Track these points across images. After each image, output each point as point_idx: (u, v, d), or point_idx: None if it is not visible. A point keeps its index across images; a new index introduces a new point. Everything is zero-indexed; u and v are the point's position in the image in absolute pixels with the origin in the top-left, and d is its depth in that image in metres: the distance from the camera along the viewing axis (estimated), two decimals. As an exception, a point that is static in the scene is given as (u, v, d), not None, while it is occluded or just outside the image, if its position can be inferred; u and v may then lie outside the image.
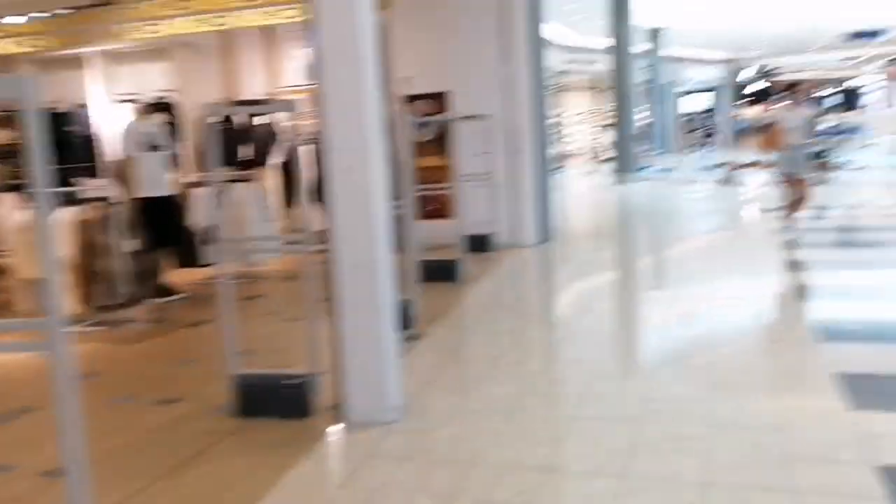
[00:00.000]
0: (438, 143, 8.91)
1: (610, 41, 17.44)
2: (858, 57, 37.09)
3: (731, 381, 3.98)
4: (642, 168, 19.51)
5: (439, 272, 7.01)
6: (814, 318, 5.15)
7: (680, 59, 30.42)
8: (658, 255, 8.97)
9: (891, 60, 38.45)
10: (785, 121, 7.98)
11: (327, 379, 3.77)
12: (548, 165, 9.24)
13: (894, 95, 40.45)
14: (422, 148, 9.15)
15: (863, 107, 34.55)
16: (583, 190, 17.60)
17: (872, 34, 26.47)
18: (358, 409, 3.64)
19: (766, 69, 38.37)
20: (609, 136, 19.82)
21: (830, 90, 43.05)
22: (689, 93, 33.30)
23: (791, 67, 42.12)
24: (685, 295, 6.20)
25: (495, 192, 8.77)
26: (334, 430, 3.57)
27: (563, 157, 25.54)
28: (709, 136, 31.94)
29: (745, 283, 6.41)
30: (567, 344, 5.07)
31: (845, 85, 42.44)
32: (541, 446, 3.29)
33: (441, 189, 8.29)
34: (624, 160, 17.16)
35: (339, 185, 3.53)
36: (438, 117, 8.40)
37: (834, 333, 4.81)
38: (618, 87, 17.42)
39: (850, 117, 24.31)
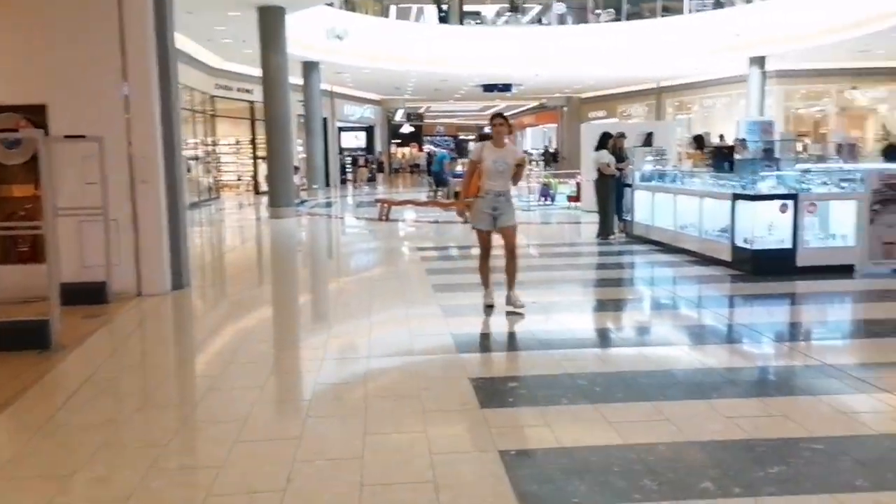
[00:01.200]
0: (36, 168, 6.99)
1: (262, 70, 16.47)
2: (493, 107, 41.48)
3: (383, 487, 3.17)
4: (300, 202, 18.84)
5: (19, 337, 5.26)
6: (472, 374, 4.66)
7: (338, 96, 30.77)
8: (312, 295, 8.14)
9: (518, 112, 43.77)
10: (486, 163, 6.25)
11: None
12: (183, 199, 7.86)
13: (519, 142, 46.14)
14: (9, 173, 7.18)
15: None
16: (236, 225, 16.27)
17: (504, 88, 29.47)
18: None
19: (414, 112, 40.96)
20: (265, 168, 18.73)
21: (471, 136, 47.60)
22: (347, 129, 33.83)
23: (437, 113, 45.66)
24: (336, 348, 5.38)
25: (113, 229, 7.16)
26: None
27: (217, 188, 23.89)
28: (367, 172, 32.74)
29: (398, 330, 5.82)
30: (182, 437, 3.85)
31: (483, 131, 47.08)
32: None
33: (33, 226, 6.45)
34: (280, 194, 16.23)
35: None
36: (26, 135, 6.53)
37: (497, 396, 4.33)
38: (273, 118, 16.49)
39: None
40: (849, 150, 11.16)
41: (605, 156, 11.09)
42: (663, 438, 3.56)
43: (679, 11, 25.33)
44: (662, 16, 25.57)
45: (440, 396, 4.31)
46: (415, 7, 29.96)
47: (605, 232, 11.23)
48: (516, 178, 6.41)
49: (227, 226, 16.04)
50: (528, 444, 3.55)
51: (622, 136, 11.59)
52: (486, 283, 6.61)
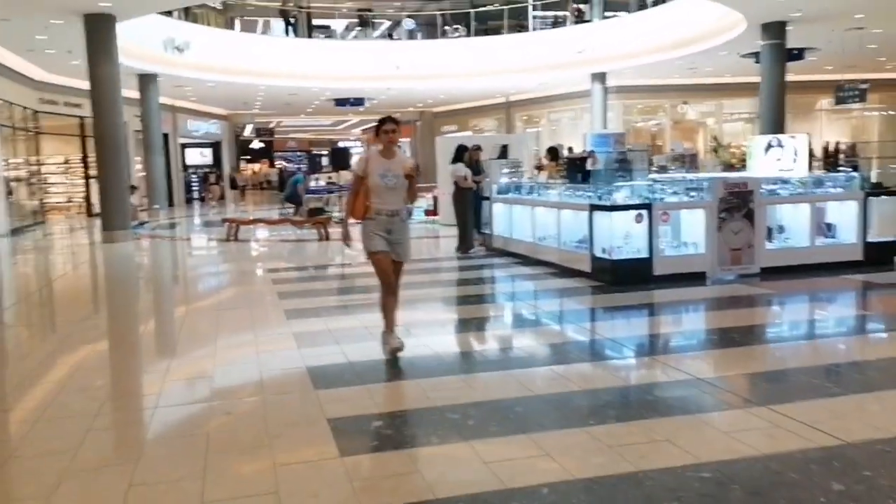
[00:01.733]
0: None
1: (91, 83, 15.00)
2: (346, 121, 40.89)
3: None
4: (138, 224, 17.39)
5: None
6: (331, 414, 4.14)
7: (180, 110, 29.04)
8: (146, 328, 7.23)
9: (369, 127, 43.47)
10: (373, 177, 5.19)
11: None
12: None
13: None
14: None
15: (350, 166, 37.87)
16: (64, 251, 14.68)
17: (357, 102, 29.01)
18: None
19: (264, 127, 39.53)
20: (99, 188, 17.12)
21: (324, 150, 46.72)
22: (191, 145, 32.02)
23: (288, 128, 44.39)
24: (173, 392, 4.68)
25: None
26: None
27: (44, 211, 21.68)
28: (220, 190, 31.17)
29: (246, 365, 5.19)
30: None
31: (336, 146, 46.44)
32: None
33: None
34: (114, 216, 14.82)
35: None
36: None
37: (359, 439, 3.83)
38: (104, 133, 15.04)
39: (342, 176, 25.93)
40: (690, 160, 11.69)
41: (462, 169, 10.90)
42: (546, 478, 3.21)
43: (526, 28, 26.04)
44: (509, 32, 26.15)
45: (294, 444, 3.76)
46: (261, 20, 28.89)
47: (464, 246, 11.02)
48: (411, 193, 5.35)
49: (53, 252, 14.44)
50: (397, 499, 3.09)
51: (478, 148, 11.46)
52: (389, 322, 5.37)
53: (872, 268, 8.38)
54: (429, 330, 6.29)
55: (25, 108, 20.05)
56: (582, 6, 25.34)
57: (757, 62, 21.25)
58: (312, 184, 20.35)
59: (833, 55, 21.57)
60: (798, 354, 5.34)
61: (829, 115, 30.10)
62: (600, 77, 25.04)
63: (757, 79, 19.20)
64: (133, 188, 17.49)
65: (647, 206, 7.95)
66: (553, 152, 10.91)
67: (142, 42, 18.89)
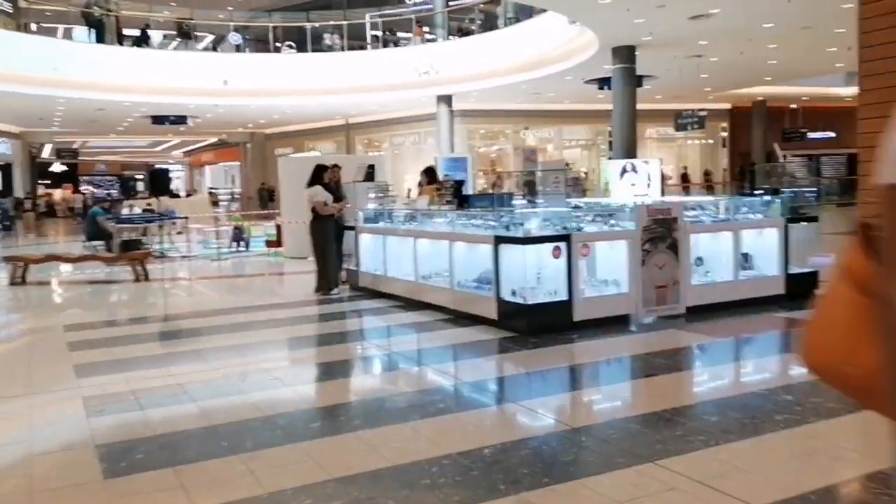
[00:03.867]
0: None
1: None
2: (165, 142, 37.03)
3: None
4: None
5: None
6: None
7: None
8: None
9: (196, 149, 39.79)
10: None
11: None
12: None
13: (198, 181, 42.06)
14: None
15: (173, 191, 34.22)
16: None
17: (178, 120, 25.96)
18: None
19: (67, 148, 34.82)
20: None
21: (141, 174, 42.29)
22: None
23: (96, 149, 39.61)
24: None
25: None
26: None
27: None
28: (27, 218, 26.68)
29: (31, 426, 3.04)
30: None
31: (153, 168, 42.15)
32: None
33: None
34: None
35: None
36: None
37: None
38: None
39: (162, 202, 22.86)
40: (575, 185, 10.61)
41: (321, 193, 8.97)
42: None
43: (365, 47, 24.57)
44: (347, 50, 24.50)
45: None
46: (62, 28, 25.07)
47: (325, 285, 9.09)
48: None
49: None
50: None
51: (336, 167, 9.56)
52: None
53: (795, 303, 7.48)
54: (288, 418, 4.36)
55: None
56: (426, 28, 24.31)
57: (600, 88, 21.15)
58: (126, 211, 17.38)
59: (665, 84, 21.99)
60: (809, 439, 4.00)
61: (656, 143, 31.38)
62: (447, 100, 23.98)
63: (596, 106, 18.91)
64: None
65: (566, 238, 6.50)
66: (430, 173, 9.29)
67: None
